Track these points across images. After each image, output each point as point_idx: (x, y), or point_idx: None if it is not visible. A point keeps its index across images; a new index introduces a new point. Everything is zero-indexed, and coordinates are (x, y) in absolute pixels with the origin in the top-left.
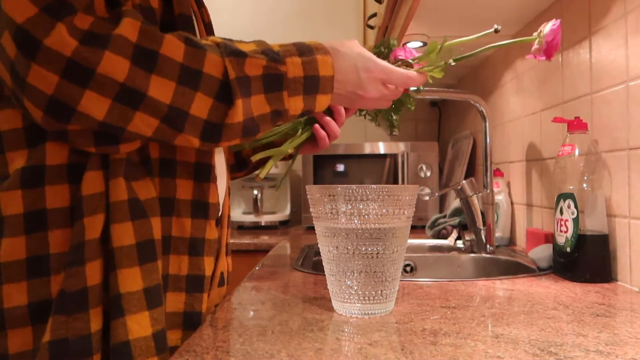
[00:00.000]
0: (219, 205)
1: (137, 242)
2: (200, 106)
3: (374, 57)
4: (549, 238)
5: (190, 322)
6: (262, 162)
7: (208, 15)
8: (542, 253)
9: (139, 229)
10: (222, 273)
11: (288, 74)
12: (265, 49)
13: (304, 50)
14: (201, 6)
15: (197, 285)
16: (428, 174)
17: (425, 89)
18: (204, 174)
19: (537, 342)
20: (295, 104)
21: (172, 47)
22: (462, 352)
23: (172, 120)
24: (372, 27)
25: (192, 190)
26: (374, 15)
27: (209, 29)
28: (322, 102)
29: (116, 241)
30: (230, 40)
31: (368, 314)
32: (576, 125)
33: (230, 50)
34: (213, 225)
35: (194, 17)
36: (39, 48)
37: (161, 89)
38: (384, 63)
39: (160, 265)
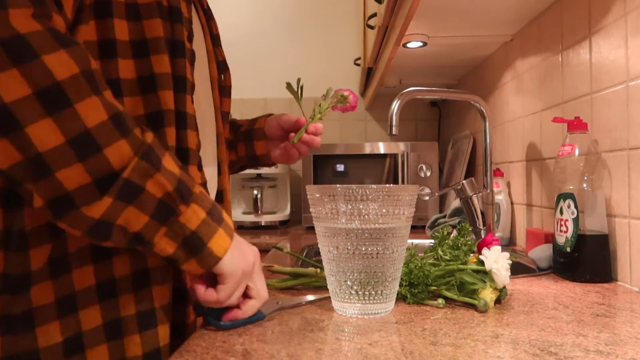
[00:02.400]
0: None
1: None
2: (72, 177)
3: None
4: (549, 238)
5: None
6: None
7: (216, 28)
8: (542, 253)
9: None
10: None
11: (180, 217)
12: (184, 180)
13: (214, 213)
14: (210, 19)
15: (184, 297)
16: (428, 174)
17: (425, 89)
18: None
19: (537, 342)
20: (164, 245)
21: (92, 110)
22: (462, 352)
23: (33, 167)
24: (372, 27)
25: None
26: (374, 15)
27: (216, 42)
28: (192, 266)
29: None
30: (166, 149)
31: (368, 314)
32: (576, 125)
33: (147, 155)
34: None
35: (201, 31)
36: None
37: (44, 135)
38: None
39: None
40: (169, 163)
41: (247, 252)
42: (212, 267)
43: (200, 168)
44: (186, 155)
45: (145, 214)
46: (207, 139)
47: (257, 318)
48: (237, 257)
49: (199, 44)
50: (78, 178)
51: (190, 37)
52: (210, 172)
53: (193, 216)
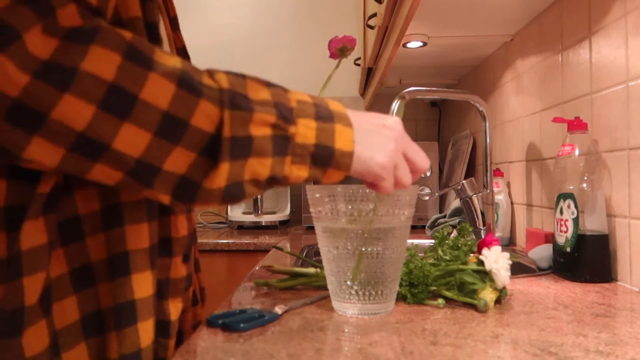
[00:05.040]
0: (187, 238)
1: (81, 316)
2: (178, 161)
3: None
4: (549, 238)
5: None
6: None
7: (174, 9)
8: (542, 253)
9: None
10: (194, 291)
11: (296, 138)
12: (278, 101)
13: (322, 114)
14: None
15: (162, 331)
16: (428, 174)
17: (425, 89)
18: (164, 206)
19: (537, 342)
20: (297, 173)
21: (158, 89)
22: (462, 352)
23: (139, 175)
24: (372, 27)
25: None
26: (374, 15)
27: (174, 25)
28: (333, 176)
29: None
30: (242, 76)
31: (368, 314)
32: (576, 125)
33: (234, 101)
34: (179, 262)
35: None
36: None
37: (131, 141)
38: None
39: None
40: (255, 90)
41: (380, 127)
42: (349, 164)
43: None
44: None
45: (267, 156)
46: None
47: (272, 318)
48: (368, 136)
49: (161, 29)
50: (184, 159)
51: (158, 20)
52: None
53: (306, 131)
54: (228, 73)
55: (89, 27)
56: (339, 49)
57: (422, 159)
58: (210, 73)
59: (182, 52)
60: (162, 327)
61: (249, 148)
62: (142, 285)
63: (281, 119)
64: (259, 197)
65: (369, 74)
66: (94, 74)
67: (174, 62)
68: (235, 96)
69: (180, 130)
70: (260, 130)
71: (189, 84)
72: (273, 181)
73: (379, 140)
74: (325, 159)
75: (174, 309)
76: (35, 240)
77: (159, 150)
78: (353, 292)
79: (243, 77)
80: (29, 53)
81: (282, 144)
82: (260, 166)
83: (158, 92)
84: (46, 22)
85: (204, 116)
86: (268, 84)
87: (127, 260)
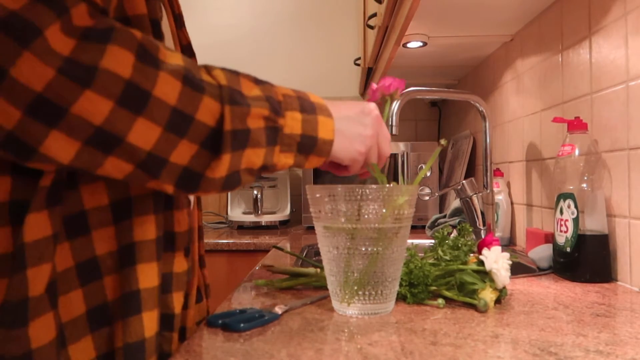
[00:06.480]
0: (188, 233)
1: (87, 310)
2: (183, 153)
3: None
4: (549, 238)
5: None
6: None
7: (179, 6)
8: (542, 253)
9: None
10: (198, 288)
11: (285, 129)
12: (268, 95)
13: (305, 107)
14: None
15: (167, 324)
16: (428, 173)
17: (425, 89)
18: (167, 201)
19: (537, 342)
20: (284, 160)
21: (167, 86)
22: (462, 352)
23: (148, 167)
24: (372, 27)
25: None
26: (374, 15)
27: (179, 22)
28: (313, 162)
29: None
30: (236, 74)
31: (368, 314)
32: (576, 125)
33: (232, 97)
34: (182, 256)
35: (163, 8)
36: (3, 77)
37: (144, 134)
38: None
39: None
40: (248, 87)
41: (358, 114)
42: (329, 151)
43: None
44: None
45: (261, 147)
46: None
47: (272, 318)
48: (348, 124)
49: (164, 26)
50: (187, 151)
51: (161, 16)
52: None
53: (293, 122)
54: (224, 70)
55: (103, 27)
56: (390, 95)
57: (387, 147)
58: (208, 70)
59: (187, 49)
60: (166, 320)
61: (247, 140)
62: (148, 275)
63: (272, 112)
64: (259, 197)
65: (369, 74)
66: (112, 71)
67: (178, 59)
68: (233, 92)
69: (186, 124)
70: (255, 123)
71: (192, 81)
72: (264, 169)
73: (358, 128)
74: (309, 147)
75: (178, 302)
76: (39, 232)
77: (167, 143)
78: (353, 292)
79: (237, 73)
80: (51, 49)
81: (273, 134)
82: (255, 156)
83: (167, 89)
84: (63, 21)
85: (207, 111)
86: (256, 80)
87: (133, 251)
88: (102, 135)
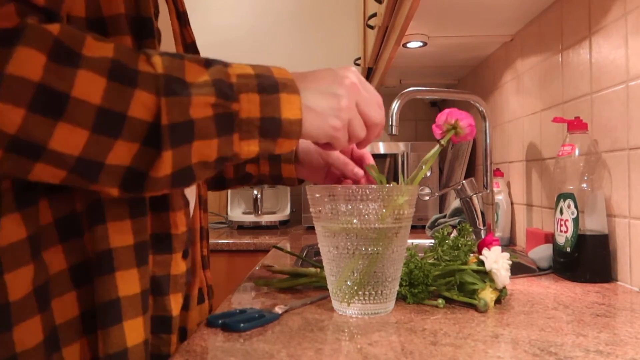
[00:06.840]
0: (187, 234)
1: (81, 312)
2: (121, 154)
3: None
4: (549, 238)
5: None
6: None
7: (183, 4)
8: (542, 253)
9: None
10: (200, 289)
11: (241, 114)
12: (217, 79)
13: (265, 86)
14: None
15: (164, 326)
16: (428, 174)
17: (425, 89)
18: (161, 203)
19: (537, 342)
20: (248, 148)
21: (89, 85)
22: (462, 352)
23: (82, 172)
24: (372, 27)
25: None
26: (374, 15)
27: (183, 20)
28: (285, 146)
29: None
30: (180, 58)
31: (368, 314)
32: (576, 125)
33: (170, 88)
34: (180, 257)
35: (166, 6)
36: None
37: (69, 140)
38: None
39: None
40: (194, 72)
41: (330, 84)
42: (299, 132)
43: None
44: None
45: (212, 138)
46: None
47: (272, 318)
48: (318, 98)
49: (163, 23)
50: (127, 152)
51: (157, 13)
52: (191, 198)
53: (250, 105)
54: (165, 56)
55: (15, 28)
56: (452, 126)
57: (375, 112)
58: (148, 57)
59: (191, 47)
60: (163, 322)
61: (191, 132)
62: (128, 282)
63: (221, 97)
64: (259, 197)
65: (369, 74)
66: (19, 75)
67: (106, 51)
68: (170, 81)
69: (118, 124)
70: (200, 113)
71: (121, 75)
72: (224, 160)
73: (329, 100)
74: (274, 131)
75: (175, 304)
76: (13, 235)
77: (99, 146)
78: (353, 292)
79: (182, 58)
80: None
81: (226, 122)
82: (206, 148)
83: (89, 88)
84: None
85: (141, 106)
86: (207, 62)
87: (111, 257)
88: (20, 143)
